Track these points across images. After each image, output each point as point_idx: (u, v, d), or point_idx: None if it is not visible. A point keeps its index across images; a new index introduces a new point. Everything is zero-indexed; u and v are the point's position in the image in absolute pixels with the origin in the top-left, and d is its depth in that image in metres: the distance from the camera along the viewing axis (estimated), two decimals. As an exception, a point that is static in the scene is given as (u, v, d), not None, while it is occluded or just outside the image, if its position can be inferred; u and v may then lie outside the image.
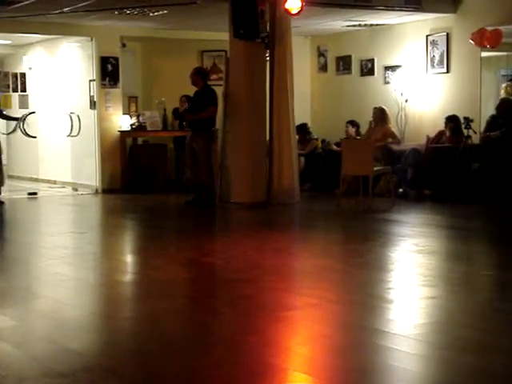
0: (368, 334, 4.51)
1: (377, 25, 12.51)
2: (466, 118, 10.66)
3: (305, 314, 5.02)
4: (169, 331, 4.70)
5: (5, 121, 12.47)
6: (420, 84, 12.17)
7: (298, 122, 11.59)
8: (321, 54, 14.12)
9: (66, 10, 10.46)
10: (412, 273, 6.29)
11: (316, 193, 12.04)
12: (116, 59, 12.69)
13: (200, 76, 10.62)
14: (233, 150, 10.69)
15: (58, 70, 13.83)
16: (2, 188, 11.34)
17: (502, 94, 11.38)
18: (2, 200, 11.14)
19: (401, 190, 11.17)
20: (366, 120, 12.26)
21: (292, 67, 10.81)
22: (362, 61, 13.24)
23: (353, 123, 12.50)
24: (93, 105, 12.78)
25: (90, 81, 12.80)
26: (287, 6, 9.88)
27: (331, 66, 13.89)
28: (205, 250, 7.46)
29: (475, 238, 8.21)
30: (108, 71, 12.65)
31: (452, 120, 11.12)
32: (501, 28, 10.76)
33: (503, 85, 11.60)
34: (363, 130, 12.37)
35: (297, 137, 11.59)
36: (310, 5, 10.04)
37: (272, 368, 3.96)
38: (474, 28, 10.92)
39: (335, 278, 6.16)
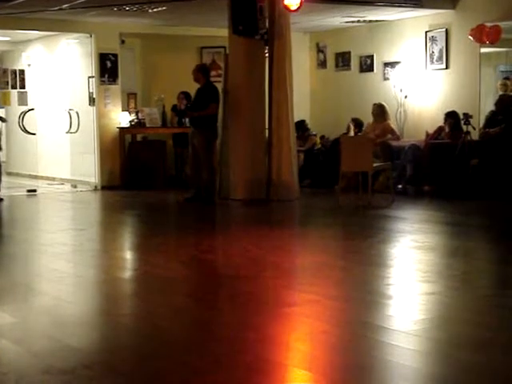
0: (367, 330, 4.51)
1: (376, 21, 12.51)
2: (465, 114, 10.65)
3: (304, 310, 5.03)
4: (168, 328, 4.70)
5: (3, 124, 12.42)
6: (419, 80, 12.17)
7: (297, 118, 11.59)
8: (320, 50, 14.11)
9: (64, 6, 10.46)
10: (411, 269, 6.29)
11: (315, 189, 12.04)
12: (115, 56, 12.68)
13: (202, 73, 10.60)
14: (232, 147, 10.70)
15: (57, 67, 13.82)
16: (1, 185, 11.33)
17: (499, 90, 11.39)
18: (1, 197, 11.13)
19: (400, 186, 11.18)
20: (365, 116, 12.26)
21: (291, 63, 10.80)
22: (361, 57, 13.24)
23: (356, 121, 12.40)
24: (92, 101, 12.78)
25: (89, 77, 12.79)
26: (286, 2, 9.86)
27: (330, 62, 13.89)
28: (204, 246, 7.46)
29: (474, 234, 8.21)
30: (107, 68, 12.64)
31: (451, 116, 11.12)
32: (500, 24, 10.77)
33: (498, 82, 11.61)
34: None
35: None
36: (309, 1, 10.04)
37: (272, 364, 3.96)
38: (474, 24, 10.93)
39: (334, 275, 6.17)
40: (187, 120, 11.76)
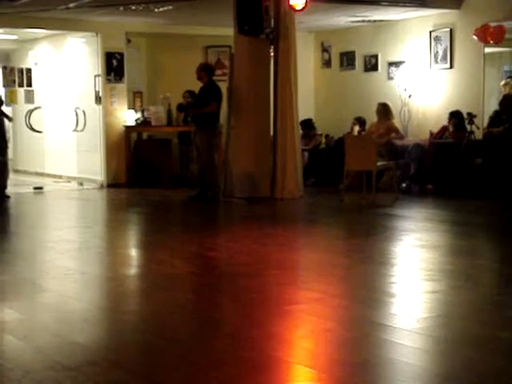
0: (371, 327, 4.55)
1: (380, 20, 12.52)
2: (469, 114, 10.67)
3: (308, 308, 5.06)
4: (173, 325, 4.74)
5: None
6: (423, 80, 12.18)
7: (301, 117, 11.63)
8: (325, 49, 14.13)
9: (71, 5, 10.50)
10: (415, 267, 6.33)
11: (319, 188, 12.06)
12: (121, 55, 12.72)
13: (206, 71, 10.66)
14: (237, 146, 10.73)
15: (64, 66, 13.87)
16: (8, 182, 11.37)
17: (502, 90, 11.40)
18: (8, 194, 11.19)
19: (404, 185, 11.20)
20: (369, 115, 12.29)
21: (296, 63, 10.84)
22: (365, 56, 13.25)
23: (360, 120, 12.44)
24: (98, 100, 12.82)
25: (96, 76, 12.83)
26: (292, 2, 9.91)
27: (335, 61, 13.90)
28: (209, 244, 7.50)
29: (478, 233, 8.24)
30: (113, 66, 12.69)
31: (455, 115, 11.14)
32: (504, 24, 10.77)
33: (502, 82, 11.62)
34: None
35: (301, 132, 11.61)
36: (314, 1, 10.07)
37: (275, 361, 4.00)
38: (478, 24, 10.93)
39: (338, 273, 6.20)
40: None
